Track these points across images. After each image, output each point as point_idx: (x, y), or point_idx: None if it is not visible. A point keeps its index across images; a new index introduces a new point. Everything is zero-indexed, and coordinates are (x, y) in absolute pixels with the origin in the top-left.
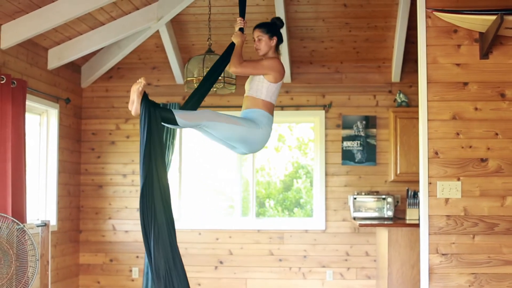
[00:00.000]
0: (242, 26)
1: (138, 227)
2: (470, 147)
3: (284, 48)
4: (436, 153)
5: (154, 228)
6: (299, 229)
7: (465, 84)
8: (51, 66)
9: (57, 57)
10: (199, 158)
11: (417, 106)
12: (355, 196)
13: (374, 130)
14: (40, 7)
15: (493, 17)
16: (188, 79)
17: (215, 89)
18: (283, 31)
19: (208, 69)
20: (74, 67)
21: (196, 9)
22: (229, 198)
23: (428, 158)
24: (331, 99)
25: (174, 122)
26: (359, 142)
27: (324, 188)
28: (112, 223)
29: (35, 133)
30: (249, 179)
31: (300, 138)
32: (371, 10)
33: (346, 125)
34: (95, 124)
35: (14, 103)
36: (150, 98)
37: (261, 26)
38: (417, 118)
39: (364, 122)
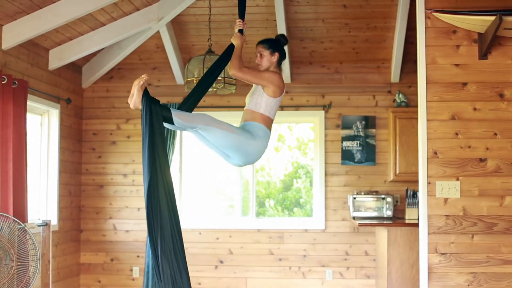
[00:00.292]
0: (241, 28)
1: (139, 227)
2: (469, 147)
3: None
4: (435, 153)
5: (161, 230)
6: (299, 229)
7: (464, 84)
8: (52, 66)
9: (58, 57)
10: (200, 158)
11: (416, 106)
12: (354, 196)
13: (373, 130)
14: (41, 8)
15: (492, 18)
16: (189, 79)
17: (215, 89)
18: (283, 31)
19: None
20: (75, 68)
21: (197, 9)
22: (229, 198)
23: (427, 158)
24: (331, 99)
25: (170, 121)
26: (358, 142)
27: (324, 188)
28: (113, 222)
29: (36, 133)
30: (249, 179)
31: (300, 138)
32: (370, 11)
33: (346, 125)
34: (96, 124)
35: (15, 103)
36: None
37: (264, 42)
38: (416, 118)
39: (363, 122)
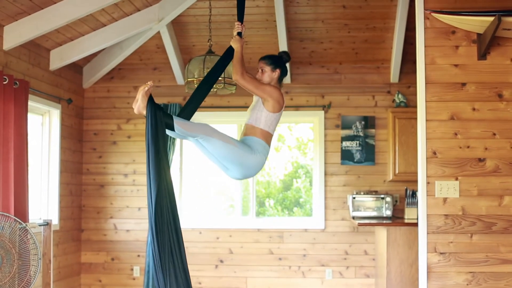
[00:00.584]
0: (240, 31)
1: (139, 226)
2: (468, 147)
3: (283, 49)
4: (434, 153)
5: (162, 236)
6: (298, 228)
7: (463, 84)
8: (53, 67)
9: (59, 58)
10: (200, 157)
11: (415, 106)
12: (354, 196)
13: (373, 130)
14: (42, 9)
15: (491, 19)
16: (189, 79)
17: (215, 90)
18: (283, 31)
19: (208, 70)
20: (76, 68)
21: (197, 10)
22: (229, 198)
23: (427, 158)
24: (330, 100)
25: (171, 128)
26: (358, 142)
27: (324, 187)
28: (114, 222)
29: (37, 133)
30: (249, 178)
31: (300, 138)
32: (369, 12)
33: (345, 125)
34: (97, 124)
35: (17, 103)
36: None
37: (266, 58)
38: (416, 119)
39: (363, 122)
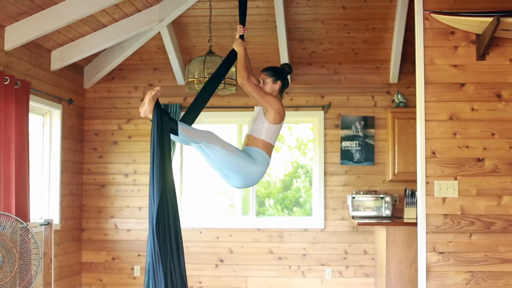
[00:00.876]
0: (242, 34)
1: (140, 226)
2: (467, 147)
3: (283, 49)
4: (434, 153)
5: (163, 238)
6: (298, 228)
7: (462, 85)
8: (54, 67)
9: (60, 58)
10: (200, 157)
11: (414, 106)
12: (353, 195)
13: (372, 130)
14: (43, 9)
15: (490, 19)
16: (189, 80)
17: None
18: (283, 32)
19: (208, 70)
20: (77, 68)
21: (197, 11)
22: (229, 197)
23: (426, 158)
24: (330, 100)
25: (175, 133)
26: (357, 142)
27: (323, 187)
28: (114, 222)
29: (38, 133)
30: None
31: (300, 138)
32: (369, 12)
33: (345, 126)
34: (98, 124)
35: (18, 103)
36: None
37: (267, 69)
38: (415, 119)
39: (362, 122)
